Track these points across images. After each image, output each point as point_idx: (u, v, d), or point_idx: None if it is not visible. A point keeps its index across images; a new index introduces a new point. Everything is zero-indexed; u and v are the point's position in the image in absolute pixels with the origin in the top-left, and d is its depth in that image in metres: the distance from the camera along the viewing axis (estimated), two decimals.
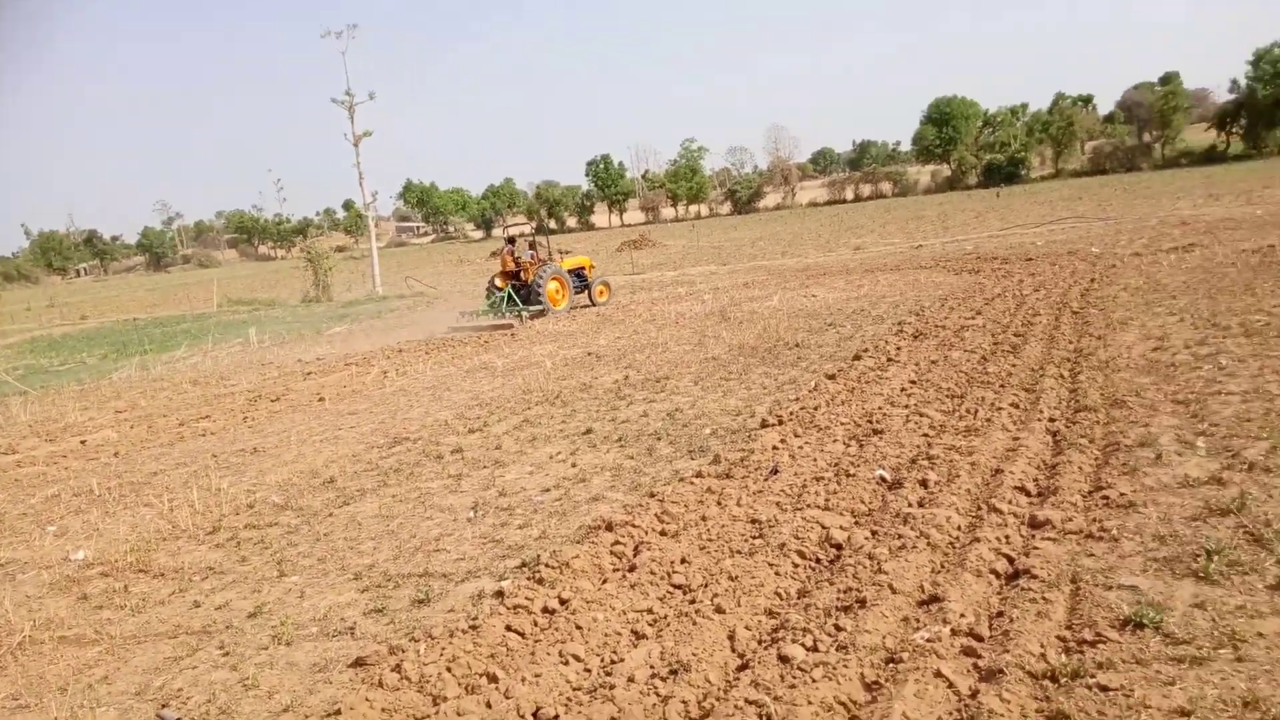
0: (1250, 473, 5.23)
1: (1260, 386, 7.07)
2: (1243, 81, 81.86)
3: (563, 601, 4.59)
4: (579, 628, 4.23)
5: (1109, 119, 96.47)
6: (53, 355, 23.69)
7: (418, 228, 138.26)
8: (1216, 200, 32.99)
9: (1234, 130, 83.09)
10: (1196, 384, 7.43)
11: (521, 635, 4.30)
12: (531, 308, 20.32)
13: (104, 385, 16.61)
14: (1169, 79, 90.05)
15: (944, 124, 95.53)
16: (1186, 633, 3.53)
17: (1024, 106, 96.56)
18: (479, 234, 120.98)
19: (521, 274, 20.77)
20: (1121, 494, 5.09)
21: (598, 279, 22.66)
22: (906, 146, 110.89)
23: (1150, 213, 30.60)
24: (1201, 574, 4.02)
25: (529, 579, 4.94)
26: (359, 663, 4.22)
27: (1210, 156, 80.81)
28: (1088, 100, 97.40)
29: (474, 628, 4.36)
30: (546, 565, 5.03)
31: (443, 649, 4.17)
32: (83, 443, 11.28)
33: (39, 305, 52.76)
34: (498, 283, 20.92)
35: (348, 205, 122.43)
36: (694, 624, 4.12)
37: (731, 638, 3.98)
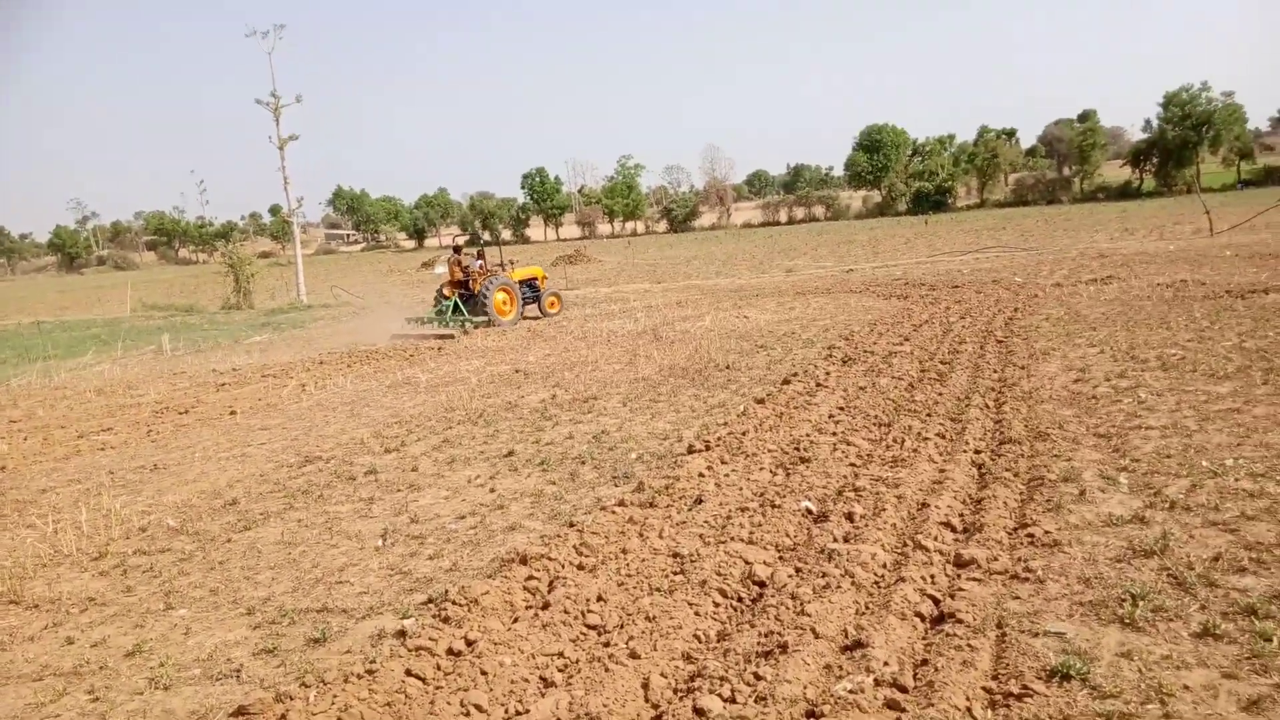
0: (1172, 511, 5.22)
1: (1178, 421, 7.16)
2: (1155, 122, 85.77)
3: (469, 643, 4.29)
4: (484, 673, 3.94)
5: (1031, 152, 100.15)
6: None
7: (348, 235, 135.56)
8: (1131, 234, 34.28)
9: (1147, 168, 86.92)
10: (1117, 417, 7.50)
11: (422, 681, 3.99)
12: (477, 319, 20.02)
13: (0, 392, 15.64)
14: (1087, 116, 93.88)
15: (875, 151, 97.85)
16: (1114, 685, 3.41)
17: (951, 137, 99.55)
18: (411, 243, 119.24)
19: (470, 283, 20.52)
20: (1046, 532, 5.02)
21: (548, 290, 22.34)
22: (840, 171, 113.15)
23: (1070, 244, 31.61)
24: (1127, 620, 3.93)
25: (434, 617, 4.63)
26: (241, 712, 3.85)
27: (1125, 192, 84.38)
28: (1011, 134, 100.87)
29: (370, 672, 4.03)
30: (453, 602, 4.72)
31: (334, 696, 3.84)
32: None
33: None
34: (445, 292, 20.71)
35: (274, 210, 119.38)
36: (606, 670, 3.87)
37: (646, 686, 3.74)
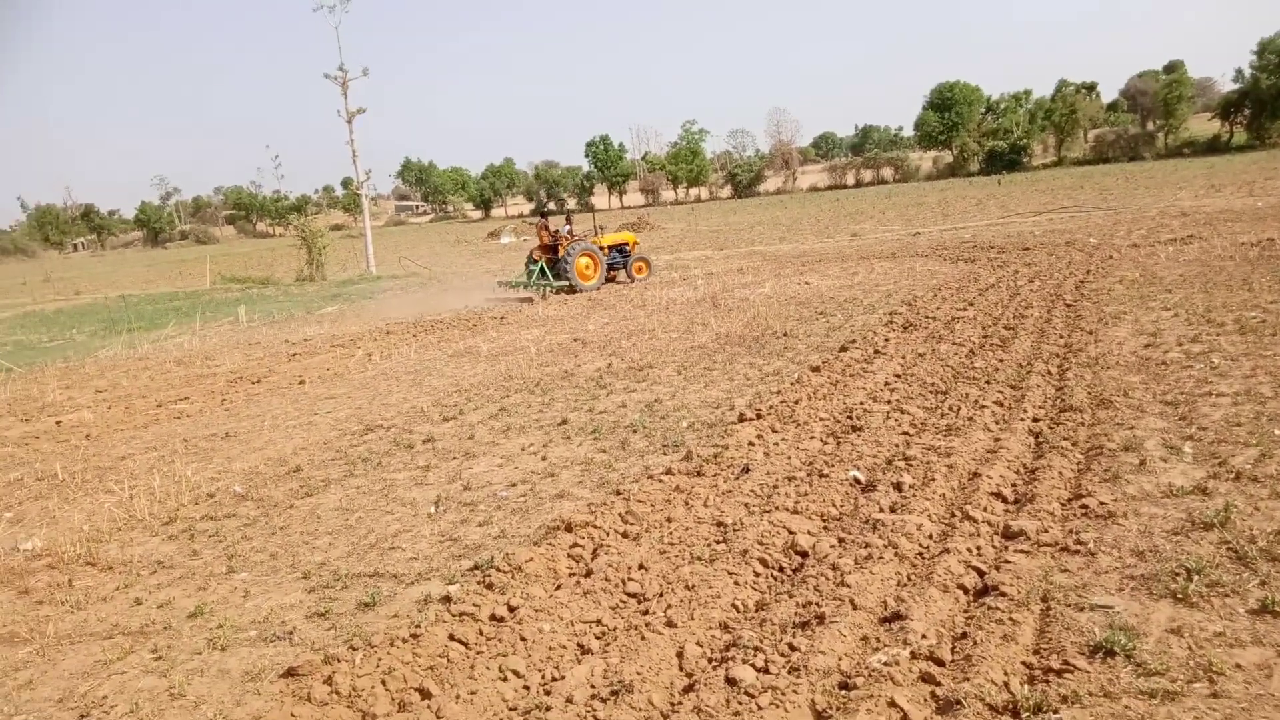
0: (1237, 482, 5.00)
1: (1252, 388, 6.84)
2: (1247, 71, 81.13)
3: (511, 609, 4.38)
4: (523, 639, 4.02)
5: (1112, 107, 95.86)
6: (43, 331, 23.50)
7: (416, 207, 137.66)
8: (1218, 191, 32.65)
9: (1238, 120, 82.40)
10: (1187, 384, 7.19)
11: (465, 645, 4.09)
12: (557, 283, 20.73)
13: (89, 363, 16.41)
14: (1174, 67, 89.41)
15: (947, 110, 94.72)
16: (1160, 663, 3.30)
17: (1027, 93, 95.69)
18: (478, 214, 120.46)
19: (559, 249, 21.29)
20: (1101, 503, 4.86)
21: (636, 256, 22.71)
22: (909, 132, 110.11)
23: (1151, 203, 30.27)
24: (1180, 595, 3.79)
25: (479, 583, 4.72)
26: (291, 673, 4.01)
27: (1213, 146, 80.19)
28: (1091, 88, 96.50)
29: (415, 636, 4.14)
30: (498, 569, 4.81)
31: (379, 659, 3.96)
32: (58, 423, 11.09)
33: (34, 280, 52.49)
34: (535, 255, 21.61)
35: (346, 183, 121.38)
36: (643, 639, 3.90)
37: (680, 655, 3.76)
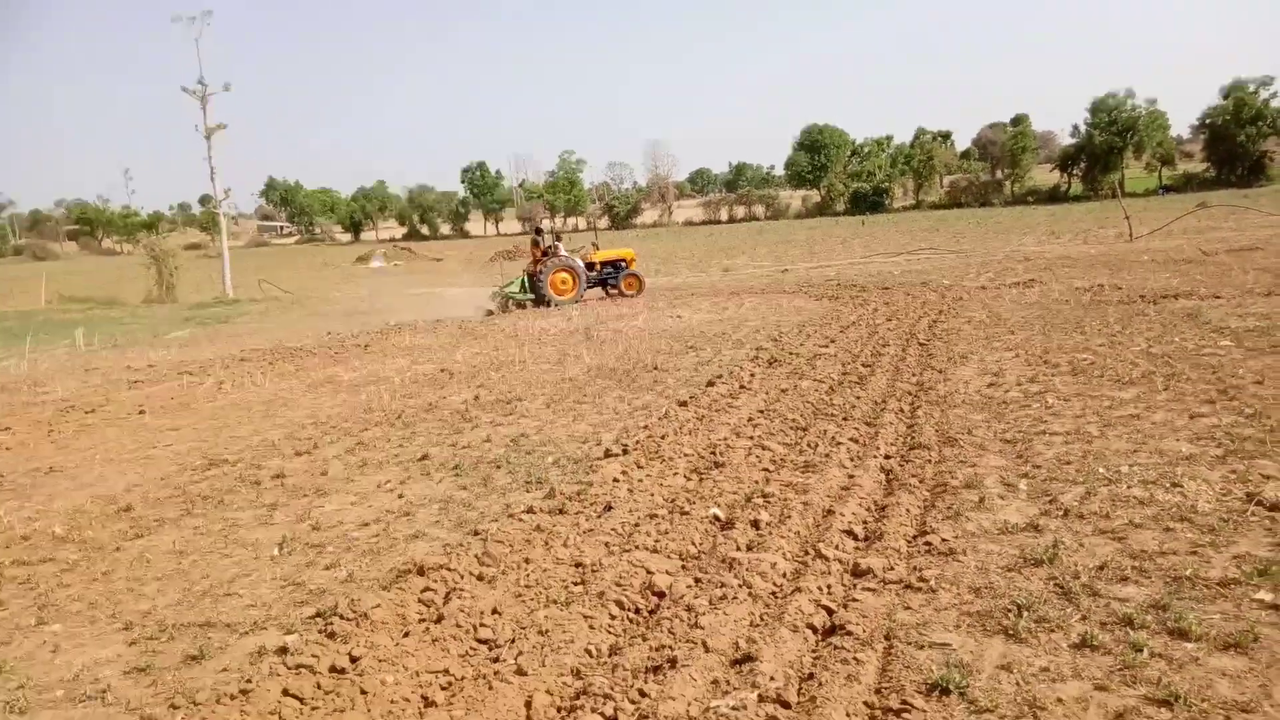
0: (1065, 519, 5.29)
1: (1081, 427, 7.30)
2: (1083, 127, 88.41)
3: (353, 660, 4.14)
4: (364, 692, 3.80)
5: (965, 155, 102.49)
6: None
7: (281, 228, 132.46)
8: (1057, 238, 35.24)
9: (1074, 172, 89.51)
10: (1024, 423, 7.62)
11: (300, 701, 3.83)
12: (521, 295, 21.77)
13: None
14: (1019, 120, 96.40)
15: (816, 151, 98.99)
16: (990, 700, 3.41)
17: (889, 139, 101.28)
18: (347, 237, 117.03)
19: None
20: (944, 540, 5.05)
21: (625, 272, 23.26)
22: (780, 171, 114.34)
23: (998, 247, 32.35)
24: (1011, 631, 3.95)
25: (320, 632, 4.46)
26: None
27: (1054, 195, 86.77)
28: (947, 136, 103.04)
29: (245, 692, 3.86)
30: (341, 616, 4.56)
31: (203, 719, 3.66)
32: None
33: None
34: (528, 270, 22.63)
35: (204, 200, 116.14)
36: (490, 688, 3.76)
37: (529, 705, 3.64)
